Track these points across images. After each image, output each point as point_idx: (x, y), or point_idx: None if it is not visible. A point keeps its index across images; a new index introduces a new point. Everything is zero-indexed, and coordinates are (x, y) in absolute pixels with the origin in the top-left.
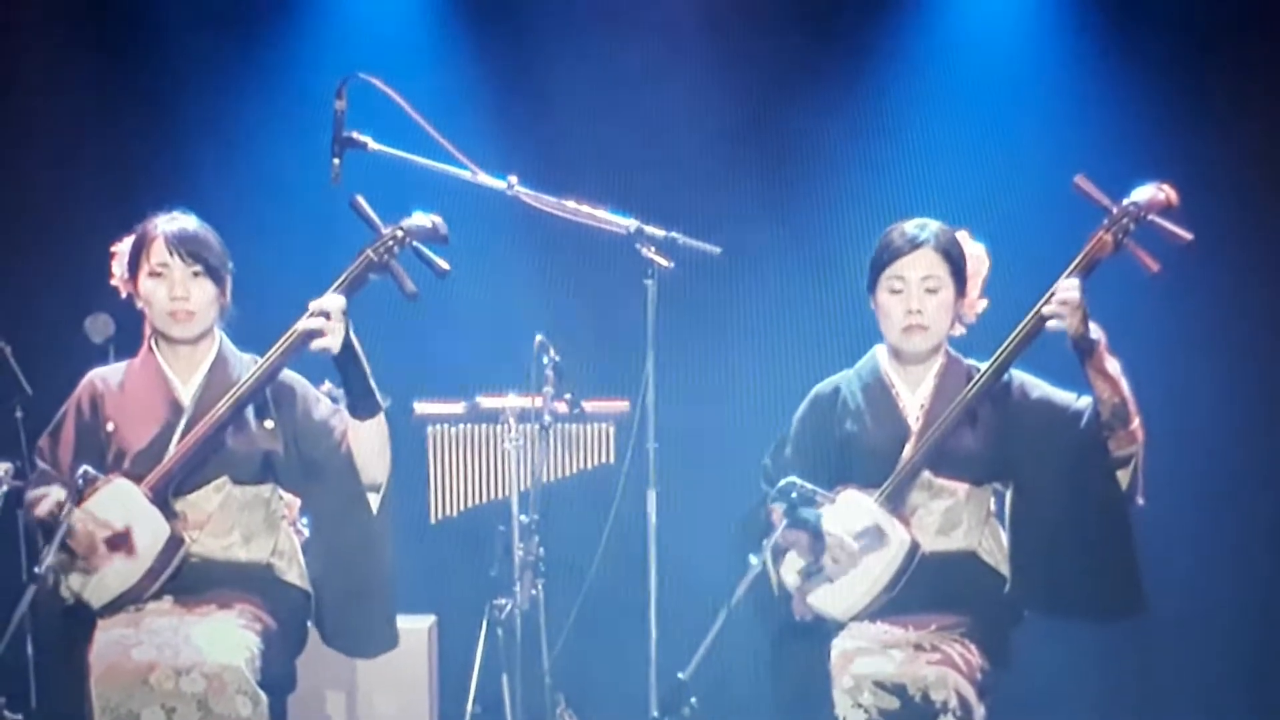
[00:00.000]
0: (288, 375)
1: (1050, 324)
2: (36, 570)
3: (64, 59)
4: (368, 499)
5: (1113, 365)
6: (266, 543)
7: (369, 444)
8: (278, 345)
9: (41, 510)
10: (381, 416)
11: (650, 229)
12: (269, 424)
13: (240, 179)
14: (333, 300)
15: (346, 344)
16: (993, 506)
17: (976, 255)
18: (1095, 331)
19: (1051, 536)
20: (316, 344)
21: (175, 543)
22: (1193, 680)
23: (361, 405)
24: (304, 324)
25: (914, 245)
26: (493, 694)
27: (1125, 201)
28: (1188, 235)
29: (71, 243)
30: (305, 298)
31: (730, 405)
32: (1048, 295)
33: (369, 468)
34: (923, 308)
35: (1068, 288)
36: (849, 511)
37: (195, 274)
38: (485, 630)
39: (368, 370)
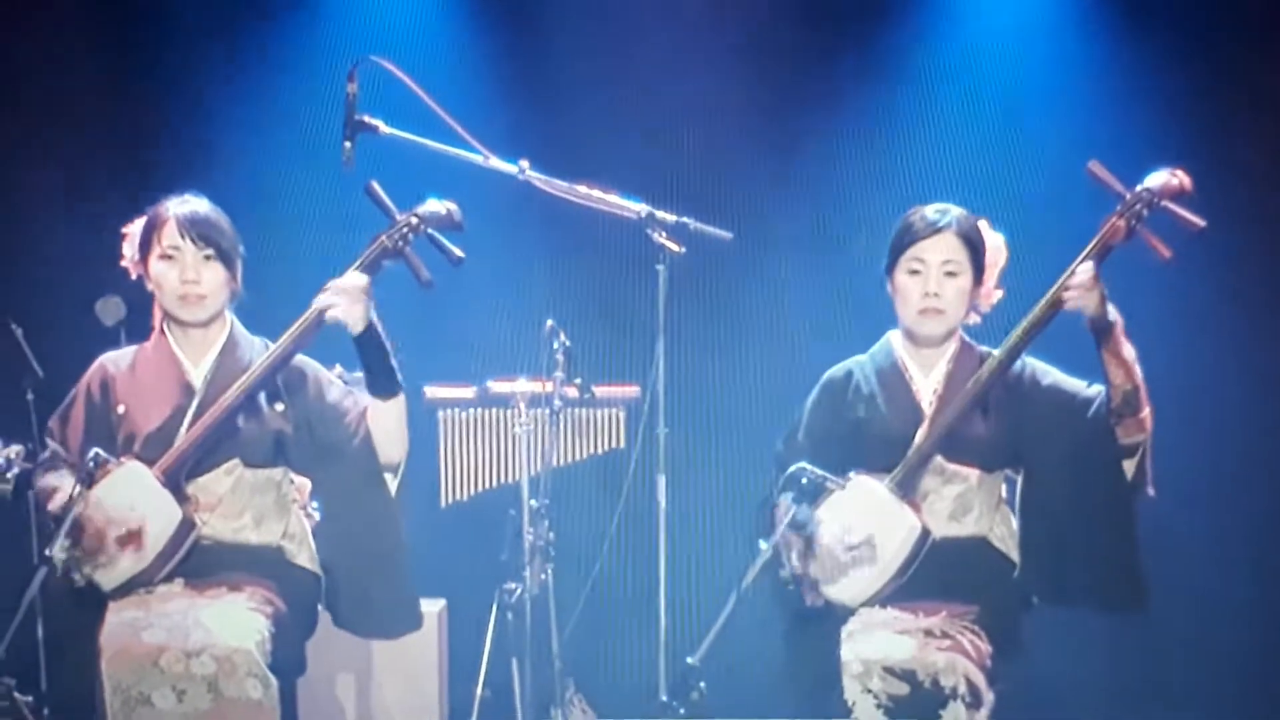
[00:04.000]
0: (299, 359)
1: (1068, 305)
2: (47, 553)
3: (77, 45)
4: (385, 479)
5: (1128, 350)
6: (277, 525)
7: (388, 424)
8: (294, 327)
9: (55, 505)
10: (401, 397)
11: (661, 214)
12: (280, 406)
13: (253, 163)
14: (354, 278)
15: (369, 322)
16: (1004, 493)
17: (995, 245)
18: (1113, 314)
19: (1058, 523)
20: (335, 314)
21: (186, 526)
22: (1202, 671)
23: (382, 384)
24: (320, 300)
25: (935, 229)
26: (502, 678)
27: (1139, 187)
28: (1201, 222)
29: (84, 226)
30: (317, 283)
31: (740, 390)
32: (1062, 280)
33: (387, 448)
34: (940, 291)
35: (1082, 270)
36: (850, 514)
37: (207, 257)
38: (495, 614)
39: (389, 349)
